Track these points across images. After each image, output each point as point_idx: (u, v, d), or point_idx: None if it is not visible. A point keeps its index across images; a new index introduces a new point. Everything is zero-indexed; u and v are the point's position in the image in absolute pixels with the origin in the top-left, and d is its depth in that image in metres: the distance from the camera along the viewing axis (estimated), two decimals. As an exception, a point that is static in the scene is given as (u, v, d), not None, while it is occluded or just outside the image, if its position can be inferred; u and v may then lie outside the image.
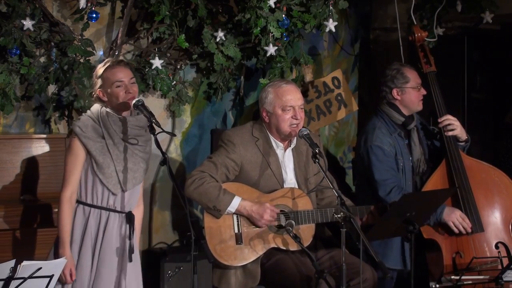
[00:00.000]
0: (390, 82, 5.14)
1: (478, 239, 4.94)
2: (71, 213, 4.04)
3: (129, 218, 4.12)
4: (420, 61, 5.32)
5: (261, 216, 4.39)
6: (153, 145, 3.96)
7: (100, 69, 4.11)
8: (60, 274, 3.90)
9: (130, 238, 4.09)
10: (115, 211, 4.10)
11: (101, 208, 4.08)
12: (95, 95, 4.13)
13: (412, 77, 5.13)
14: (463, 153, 5.11)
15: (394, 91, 5.12)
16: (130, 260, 4.09)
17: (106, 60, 4.21)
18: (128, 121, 4.10)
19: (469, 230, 4.90)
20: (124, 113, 4.13)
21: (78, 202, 4.08)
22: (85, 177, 4.07)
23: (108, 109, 4.11)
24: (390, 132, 5.09)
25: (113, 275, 4.07)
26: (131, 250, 4.09)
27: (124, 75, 4.09)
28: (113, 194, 4.08)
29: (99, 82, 4.10)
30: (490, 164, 5.12)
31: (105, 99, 4.09)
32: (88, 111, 4.13)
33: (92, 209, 4.07)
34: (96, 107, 4.14)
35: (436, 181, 5.03)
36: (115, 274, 4.07)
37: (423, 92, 5.14)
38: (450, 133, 5.08)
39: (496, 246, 4.91)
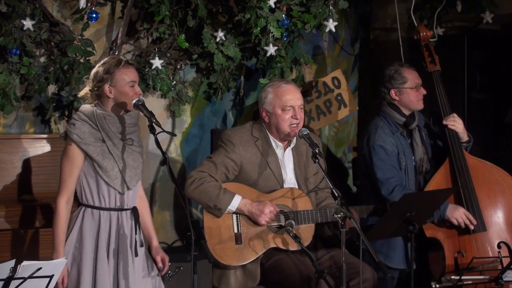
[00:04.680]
0: (388, 82, 5.13)
1: (480, 238, 4.94)
2: (67, 218, 4.03)
3: (134, 213, 4.13)
4: (425, 60, 5.31)
5: (261, 211, 4.37)
6: (153, 145, 3.95)
7: (112, 66, 4.06)
8: None
9: (136, 233, 4.10)
10: (122, 209, 4.11)
11: (109, 209, 4.08)
12: (97, 91, 4.08)
13: (411, 77, 5.11)
14: (467, 153, 5.10)
15: (392, 92, 5.12)
16: (137, 255, 4.09)
17: (114, 57, 4.18)
18: (125, 120, 4.10)
19: (474, 223, 4.89)
20: (120, 112, 4.12)
21: (85, 206, 4.08)
22: (87, 180, 4.06)
23: (100, 109, 4.08)
24: (392, 131, 5.09)
25: (129, 272, 4.07)
26: (140, 244, 4.10)
27: (136, 76, 4.12)
28: (119, 193, 4.09)
29: (108, 78, 4.05)
30: (493, 164, 5.12)
31: (111, 96, 4.07)
32: (79, 113, 4.09)
33: (101, 211, 4.07)
34: (87, 108, 4.10)
35: (439, 180, 5.03)
36: (130, 271, 4.07)
37: (423, 92, 5.12)
38: (451, 127, 5.07)
39: (499, 246, 4.90)
